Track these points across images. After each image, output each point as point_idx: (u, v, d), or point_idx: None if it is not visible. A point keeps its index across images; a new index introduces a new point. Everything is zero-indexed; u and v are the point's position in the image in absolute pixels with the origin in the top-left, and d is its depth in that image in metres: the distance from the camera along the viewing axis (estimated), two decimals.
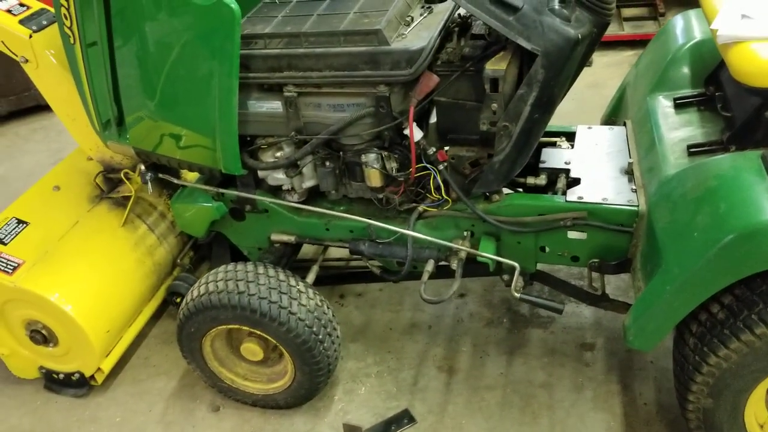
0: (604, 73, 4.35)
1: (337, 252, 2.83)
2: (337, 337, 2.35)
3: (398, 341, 2.72)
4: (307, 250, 2.87)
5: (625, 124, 2.48)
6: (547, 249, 2.25)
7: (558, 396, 2.42)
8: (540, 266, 2.36)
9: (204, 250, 2.98)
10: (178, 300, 2.73)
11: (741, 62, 1.79)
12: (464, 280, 2.84)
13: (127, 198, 2.75)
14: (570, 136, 2.48)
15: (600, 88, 4.16)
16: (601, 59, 4.51)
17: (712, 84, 2.24)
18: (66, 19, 2.23)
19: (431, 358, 2.63)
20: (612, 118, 2.72)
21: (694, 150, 2.03)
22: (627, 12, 4.84)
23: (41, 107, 4.99)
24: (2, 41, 2.60)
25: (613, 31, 4.67)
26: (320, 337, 2.25)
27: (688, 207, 1.84)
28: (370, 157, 2.24)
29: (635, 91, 2.54)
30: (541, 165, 2.33)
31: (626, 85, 2.67)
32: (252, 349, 2.37)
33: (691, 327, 1.88)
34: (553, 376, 2.49)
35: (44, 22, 2.60)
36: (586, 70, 4.55)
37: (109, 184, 2.81)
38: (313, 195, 2.48)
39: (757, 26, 1.79)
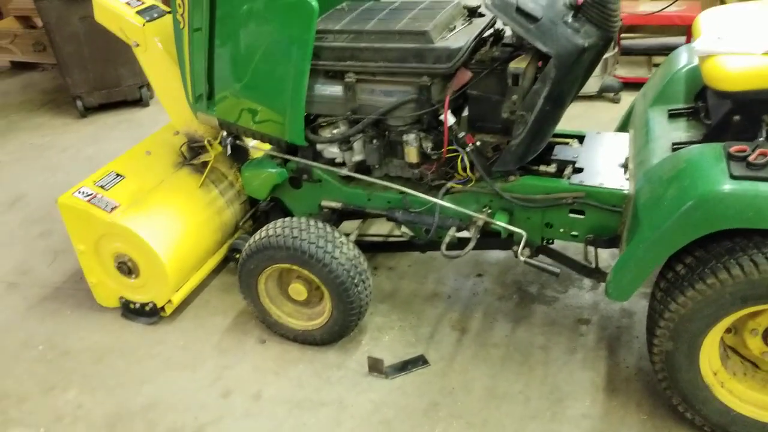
0: None
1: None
2: (369, 285, 2.80)
3: (420, 306, 3.16)
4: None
5: (629, 131, 2.93)
6: (552, 225, 2.69)
7: (553, 356, 2.82)
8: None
9: (261, 221, 3.47)
10: (237, 256, 3.22)
11: (712, 71, 2.25)
12: (482, 262, 3.34)
13: (205, 164, 3.28)
14: (581, 139, 2.93)
15: None
16: (630, 98, 4.94)
17: (700, 99, 2.68)
18: (180, 7, 2.79)
19: (447, 320, 3.06)
20: (623, 129, 3.17)
21: (676, 146, 2.46)
22: (657, 59, 5.32)
23: (127, 102, 5.72)
24: (120, 28, 3.18)
25: (643, 74, 5.16)
26: (355, 281, 2.71)
27: (662, 184, 2.26)
28: (410, 137, 2.72)
29: (640, 105, 2.99)
30: (552, 157, 2.78)
31: (635, 102, 3.12)
32: (298, 290, 2.84)
33: (660, 284, 2.29)
34: (550, 341, 2.89)
35: (155, 15, 3.18)
36: (614, 107, 5.05)
37: (191, 153, 3.35)
38: (359, 173, 2.96)
39: (726, 44, 2.25)
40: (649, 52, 5.58)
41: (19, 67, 7.01)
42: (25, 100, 6.30)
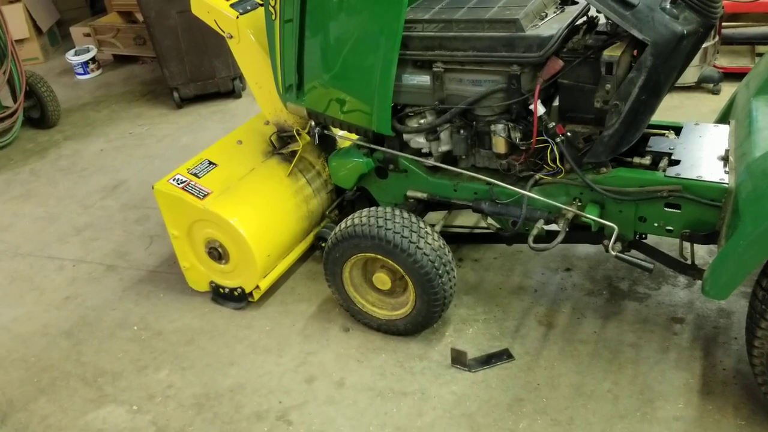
0: None
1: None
2: (454, 276, 2.77)
3: (506, 298, 3.11)
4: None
5: (729, 123, 2.78)
6: (645, 219, 2.59)
7: (644, 354, 2.72)
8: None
9: (347, 210, 3.51)
10: (323, 245, 3.26)
11: None
12: (571, 257, 3.25)
13: (294, 153, 3.33)
14: (677, 130, 2.81)
15: None
16: (730, 89, 4.70)
17: None
18: None
19: (533, 314, 3.00)
20: (723, 120, 3.02)
21: None
22: (761, 49, 5.04)
23: (221, 94, 5.91)
24: (215, 20, 3.26)
25: (745, 64, 4.90)
26: (439, 271, 2.69)
27: (766, 178, 2.14)
28: (499, 127, 2.67)
29: (743, 95, 2.84)
30: (647, 149, 2.68)
31: (737, 92, 2.96)
32: (382, 279, 2.85)
33: (762, 283, 2.17)
34: (642, 339, 2.79)
35: (248, 7, 3.23)
36: (713, 98, 4.82)
37: (280, 143, 3.41)
38: (446, 163, 2.94)
39: None
40: (751, 42, 5.28)
41: (120, 60, 7.35)
42: (125, 91, 6.61)
